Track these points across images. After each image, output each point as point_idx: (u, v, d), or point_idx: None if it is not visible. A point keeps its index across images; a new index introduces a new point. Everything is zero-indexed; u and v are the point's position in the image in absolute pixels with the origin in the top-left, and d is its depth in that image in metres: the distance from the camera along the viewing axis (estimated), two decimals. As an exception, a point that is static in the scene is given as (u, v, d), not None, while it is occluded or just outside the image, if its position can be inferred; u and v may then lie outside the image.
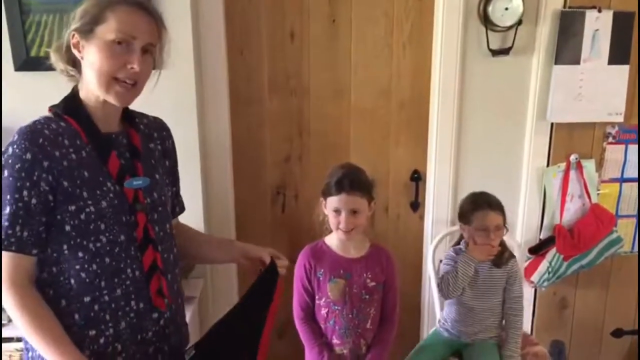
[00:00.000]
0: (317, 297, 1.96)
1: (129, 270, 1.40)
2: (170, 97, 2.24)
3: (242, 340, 1.57)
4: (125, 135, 1.46)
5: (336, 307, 1.93)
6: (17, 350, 2.01)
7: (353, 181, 1.87)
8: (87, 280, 1.35)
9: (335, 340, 1.96)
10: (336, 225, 1.89)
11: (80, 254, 1.34)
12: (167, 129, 1.62)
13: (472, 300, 2.17)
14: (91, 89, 1.38)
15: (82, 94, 1.40)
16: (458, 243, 2.27)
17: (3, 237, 1.28)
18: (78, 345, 1.35)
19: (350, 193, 1.85)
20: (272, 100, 2.54)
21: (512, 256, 2.20)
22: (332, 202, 1.88)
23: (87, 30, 1.34)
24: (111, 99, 1.37)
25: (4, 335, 2.02)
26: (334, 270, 1.94)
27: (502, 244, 2.17)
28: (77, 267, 1.34)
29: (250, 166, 2.62)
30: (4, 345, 2.01)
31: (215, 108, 2.44)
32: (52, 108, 1.40)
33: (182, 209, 1.71)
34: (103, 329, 1.38)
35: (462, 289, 2.13)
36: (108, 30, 1.33)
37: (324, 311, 1.95)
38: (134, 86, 1.37)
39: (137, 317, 1.42)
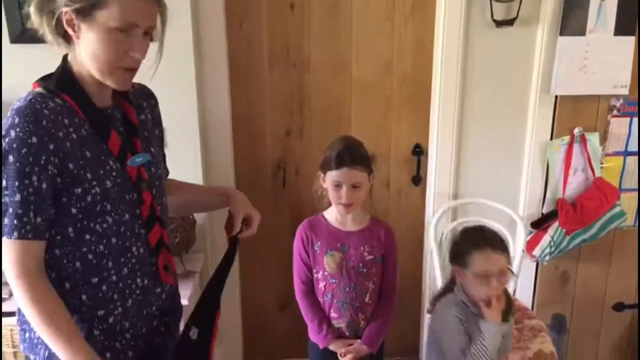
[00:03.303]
0: (314, 270, 1.96)
1: (134, 248, 1.39)
2: (168, 70, 2.19)
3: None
4: (118, 109, 1.42)
5: (333, 281, 1.92)
6: (19, 324, 2.02)
7: (353, 155, 1.85)
8: (94, 261, 1.33)
9: (332, 314, 1.96)
10: (336, 200, 1.87)
11: (87, 236, 1.32)
12: (154, 97, 1.58)
13: None
14: (87, 68, 1.31)
15: (75, 68, 1.32)
16: (450, 288, 1.86)
17: (18, 225, 1.23)
18: (87, 326, 1.35)
19: (351, 167, 1.83)
20: (272, 73, 2.51)
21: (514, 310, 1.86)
22: (333, 176, 1.85)
23: (85, 12, 1.24)
24: (111, 84, 1.32)
25: (7, 310, 2.03)
26: (330, 243, 1.93)
27: (508, 295, 1.83)
28: (84, 249, 1.32)
29: (251, 140, 2.60)
30: (6, 319, 2.01)
31: (214, 81, 2.41)
32: (39, 83, 1.32)
33: (168, 172, 1.67)
34: (112, 309, 1.37)
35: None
36: (110, 17, 1.24)
37: (321, 284, 1.95)
38: (134, 70, 1.33)
39: (143, 293, 1.42)
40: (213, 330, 1.57)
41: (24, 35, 2.15)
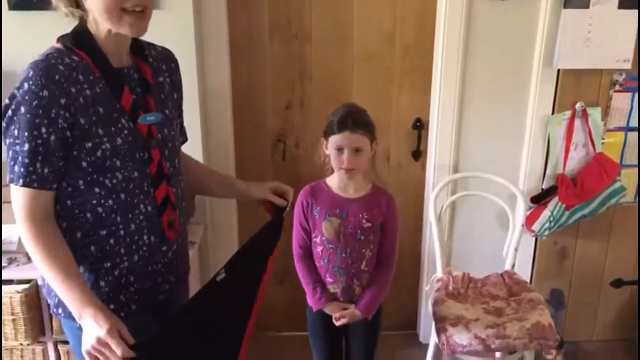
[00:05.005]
0: (313, 234, 1.97)
1: (142, 206, 1.43)
2: (168, 41, 2.16)
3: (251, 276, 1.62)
4: (136, 69, 1.45)
5: (330, 246, 1.93)
6: (17, 292, 2.02)
7: (356, 119, 1.85)
8: (104, 215, 1.38)
9: (328, 279, 1.97)
10: (338, 165, 1.87)
11: (97, 190, 1.36)
12: (175, 61, 1.61)
13: None
14: (101, 24, 1.34)
15: (92, 29, 1.36)
16: None
17: (24, 173, 1.29)
18: (94, 276, 1.41)
19: (353, 131, 1.83)
20: (273, 44, 2.49)
21: None
22: (335, 140, 1.86)
23: None
24: (126, 31, 1.33)
25: (5, 277, 2.04)
26: (330, 208, 1.94)
27: None
28: (94, 201, 1.37)
29: (251, 113, 2.58)
30: (5, 287, 2.02)
31: (214, 52, 2.39)
32: (60, 40, 1.37)
33: (186, 139, 1.71)
34: (118, 262, 1.43)
35: None
36: None
37: (319, 249, 1.96)
38: (144, 12, 1.33)
39: (149, 250, 1.46)
40: (257, 293, 1.61)
41: (23, 1, 2.12)
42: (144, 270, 1.47)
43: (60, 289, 1.31)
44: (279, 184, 1.76)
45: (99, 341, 1.25)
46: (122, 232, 1.41)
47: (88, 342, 1.27)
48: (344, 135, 1.83)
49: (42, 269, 1.32)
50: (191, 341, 1.46)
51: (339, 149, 1.86)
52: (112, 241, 1.40)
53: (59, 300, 1.40)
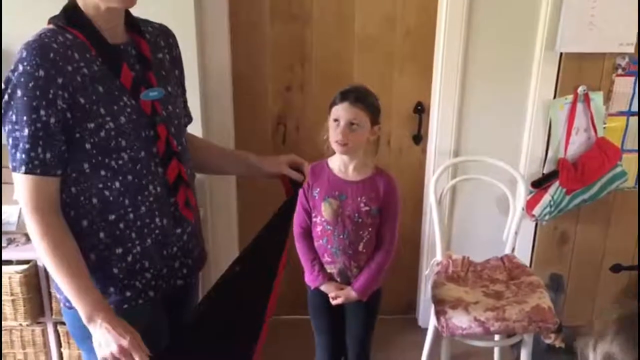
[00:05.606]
0: (313, 214, 1.98)
1: (151, 187, 1.38)
2: (167, 22, 2.16)
3: (268, 259, 1.59)
4: (132, 45, 1.40)
5: (329, 227, 1.94)
6: (17, 272, 2.03)
7: (359, 95, 1.85)
8: (111, 198, 1.34)
9: (326, 259, 1.98)
10: (333, 138, 1.88)
11: (103, 172, 1.32)
12: (173, 36, 1.55)
13: None
14: (91, 3, 1.30)
15: (83, 7, 1.31)
16: None
17: (26, 160, 1.24)
18: (106, 264, 1.37)
19: (353, 104, 1.83)
20: (273, 26, 2.47)
21: None
22: (334, 111, 1.86)
23: None
24: (114, 4, 1.29)
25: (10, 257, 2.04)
26: (329, 190, 1.94)
27: None
28: (100, 185, 1.32)
29: (251, 96, 2.57)
30: (4, 267, 2.02)
31: (214, 35, 2.38)
32: (52, 20, 1.33)
33: (190, 119, 1.65)
34: (130, 247, 1.38)
35: None
36: None
37: (318, 229, 1.97)
38: None
39: (162, 233, 1.42)
40: (277, 271, 1.57)
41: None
42: (158, 255, 1.42)
43: (67, 289, 1.26)
44: (295, 157, 1.67)
45: (122, 350, 1.22)
46: (131, 216, 1.36)
47: (107, 348, 1.23)
48: (342, 106, 1.84)
49: (49, 266, 1.28)
50: (206, 343, 1.41)
51: (336, 120, 1.86)
52: (121, 225, 1.35)
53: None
